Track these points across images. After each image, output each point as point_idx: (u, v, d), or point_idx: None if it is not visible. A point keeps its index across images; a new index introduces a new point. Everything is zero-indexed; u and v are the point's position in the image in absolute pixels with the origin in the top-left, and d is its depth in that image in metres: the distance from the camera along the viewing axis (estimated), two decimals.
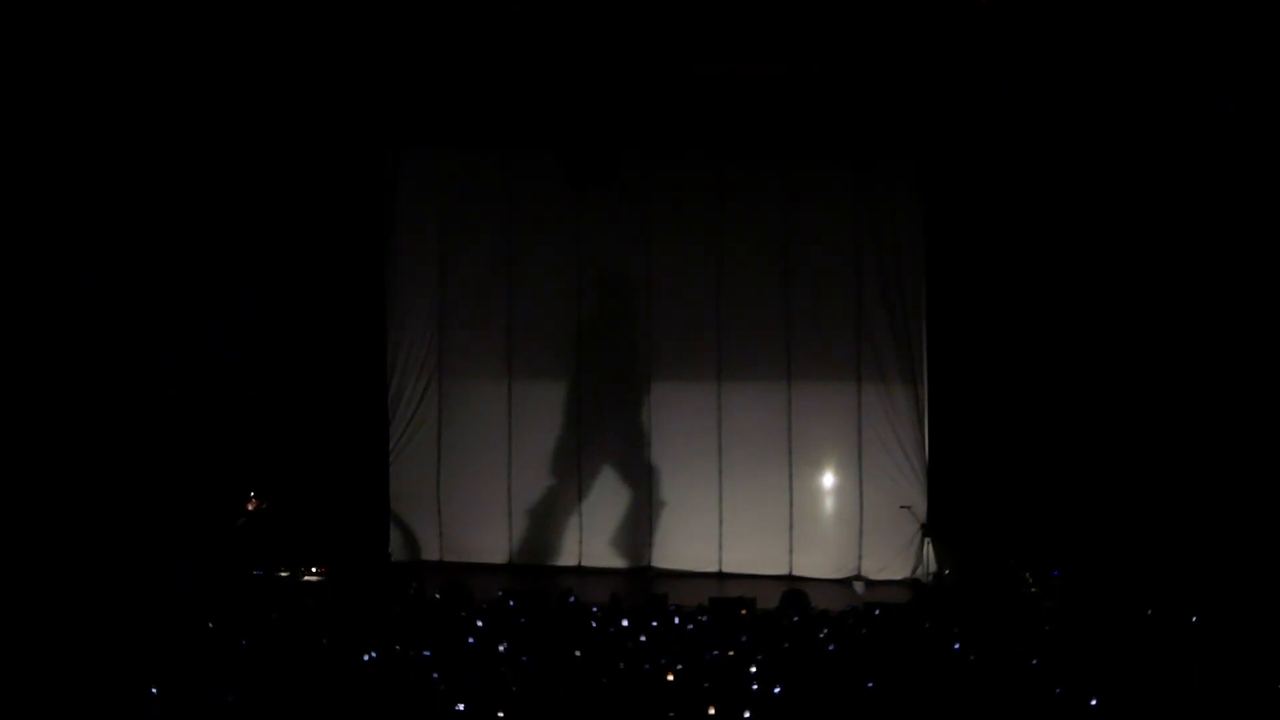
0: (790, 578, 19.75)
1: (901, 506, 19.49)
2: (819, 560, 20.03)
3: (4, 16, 16.93)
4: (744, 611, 15.69)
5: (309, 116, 19.75)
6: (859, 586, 19.55)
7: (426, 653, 12.85)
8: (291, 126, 19.78)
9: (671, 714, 10.79)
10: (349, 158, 20.16)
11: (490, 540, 20.61)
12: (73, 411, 18.80)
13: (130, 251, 19.07)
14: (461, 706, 10.84)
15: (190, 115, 18.99)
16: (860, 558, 19.95)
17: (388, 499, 20.66)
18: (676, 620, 15.01)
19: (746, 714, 10.79)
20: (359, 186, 20.28)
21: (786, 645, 13.39)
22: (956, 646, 13.45)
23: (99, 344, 19.04)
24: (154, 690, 11.20)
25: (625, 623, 14.63)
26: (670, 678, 11.98)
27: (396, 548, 20.67)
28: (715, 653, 13.05)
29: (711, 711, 10.88)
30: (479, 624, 14.41)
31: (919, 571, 19.46)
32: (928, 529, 19.42)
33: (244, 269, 19.96)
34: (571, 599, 16.25)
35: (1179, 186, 18.37)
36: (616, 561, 20.45)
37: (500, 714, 10.69)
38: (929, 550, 19.39)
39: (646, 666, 12.43)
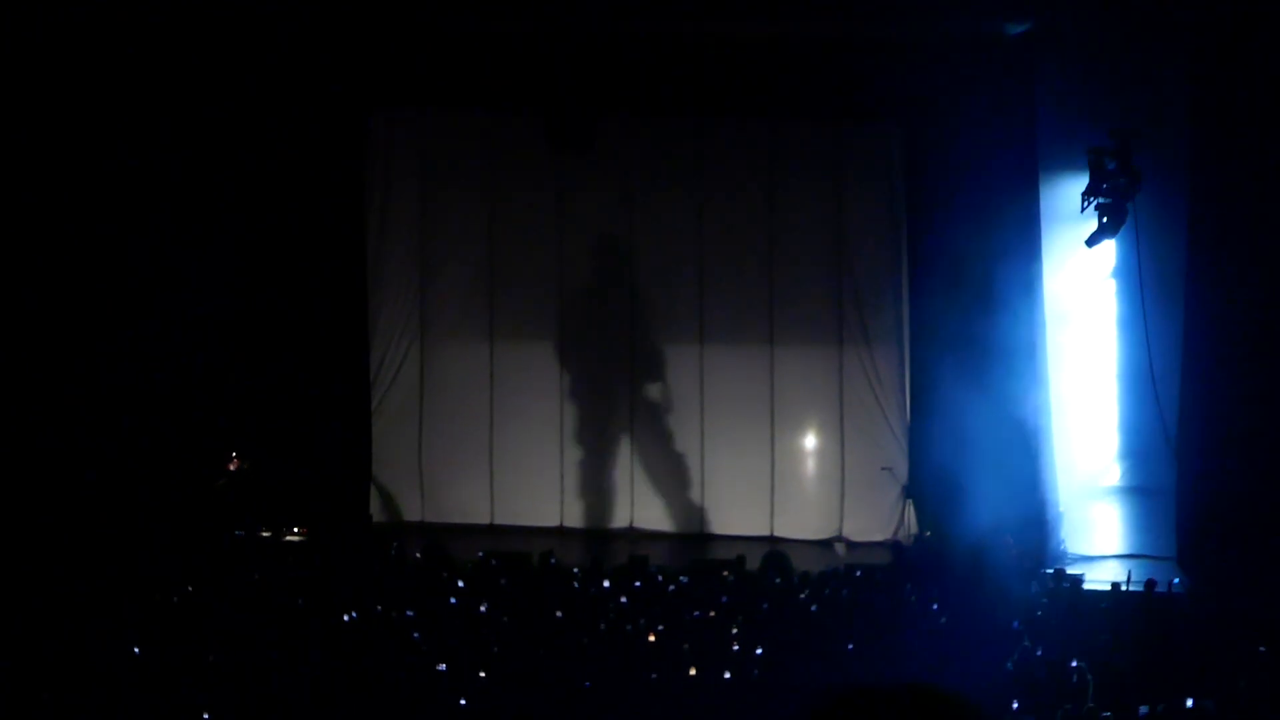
0: (772, 539, 19.79)
1: (883, 469, 19.54)
2: (801, 522, 20.07)
3: None
4: (725, 573, 15.73)
5: (287, 78, 19.68)
6: (840, 548, 19.60)
7: (408, 613, 12.85)
8: (269, 88, 19.71)
9: (653, 675, 10.81)
10: (327, 119, 20.06)
11: (472, 501, 20.62)
12: (54, 376, 18.78)
13: (109, 217, 19.02)
14: (443, 666, 10.86)
15: (167, 79, 18.95)
16: (842, 519, 19.99)
17: (369, 460, 20.66)
18: (659, 579, 15.04)
19: (727, 674, 10.81)
20: (337, 148, 20.19)
21: (767, 606, 13.42)
22: (936, 608, 13.49)
23: (80, 308, 19.02)
24: (135, 650, 11.21)
25: (606, 584, 14.65)
26: (651, 638, 12.00)
27: (378, 508, 20.67)
28: (696, 614, 13.08)
29: (693, 672, 10.90)
30: (460, 585, 14.42)
31: (900, 533, 19.51)
32: (909, 491, 19.47)
33: (225, 234, 19.91)
34: (553, 560, 16.27)
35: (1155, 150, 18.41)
36: (598, 523, 20.47)
37: (481, 674, 10.70)
38: (910, 512, 19.44)
39: (628, 628, 12.45)
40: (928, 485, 19.45)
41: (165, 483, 19.24)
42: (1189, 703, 10.76)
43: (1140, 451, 18.59)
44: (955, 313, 19.01)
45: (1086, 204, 16.80)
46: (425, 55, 19.50)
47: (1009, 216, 18.64)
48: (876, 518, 19.78)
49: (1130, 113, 16.98)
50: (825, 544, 19.81)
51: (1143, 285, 17.66)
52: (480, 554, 16.53)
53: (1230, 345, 17.19)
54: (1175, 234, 17.66)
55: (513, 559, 16.22)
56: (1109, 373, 18.77)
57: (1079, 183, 17.06)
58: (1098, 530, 18.39)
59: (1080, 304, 18.76)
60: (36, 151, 18.24)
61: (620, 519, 20.50)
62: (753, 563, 16.79)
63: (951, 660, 11.30)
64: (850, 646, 11.74)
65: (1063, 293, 18.64)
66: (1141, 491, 18.63)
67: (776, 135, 20.06)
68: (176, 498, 19.24)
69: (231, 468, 19.95)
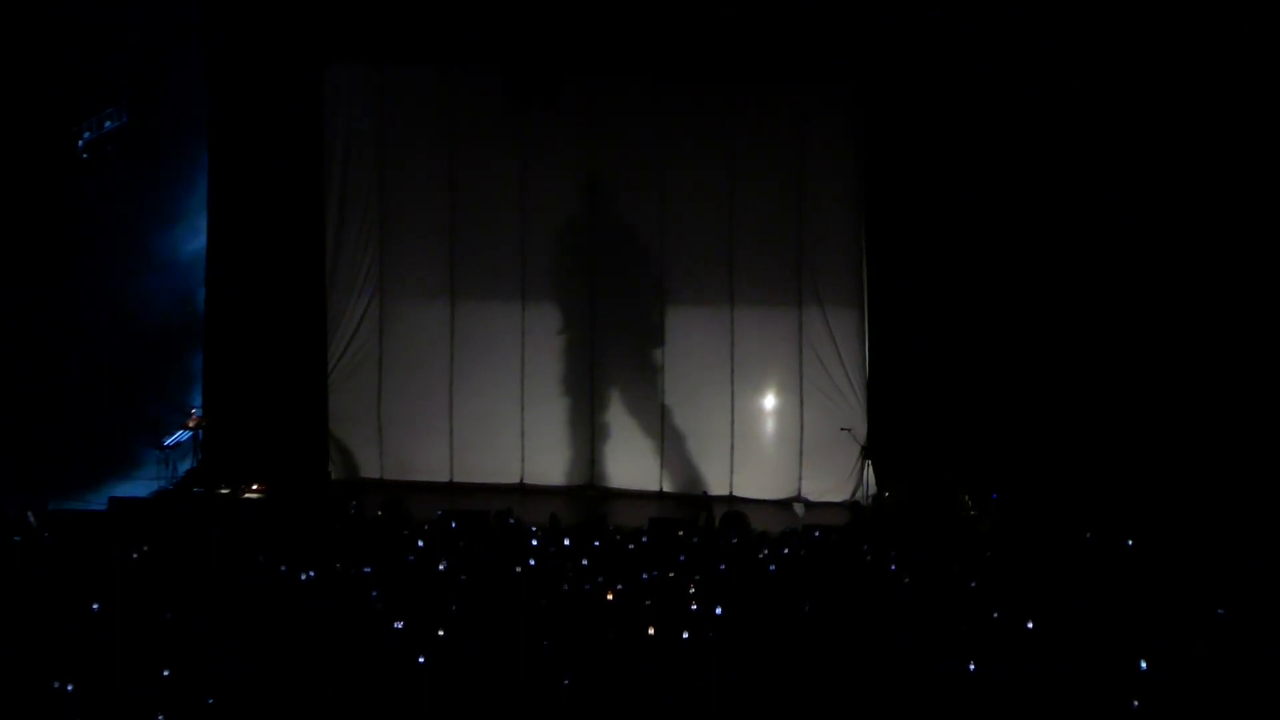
0: (731, 499, 19.84)
1: (842, 429, 19.57)
2: (760, 482, 20.12)
3: None
4: (681, 532, 15.74)
5: (245, 31, 19.59)
6: (799, 508, 19.64)
7: (366, 570, 12.83)
8: (229, 42, 19.63)
9: (611, 634, 10.81)
10: (285, 74, 19.96)
11: (431, 459, 20.60)
12: (10, 319, 18.71)
13: (66, 168, 18.92)
14: (400, 624, 10.84)
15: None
16: (800, 480, 20.04)
17: (327, 417, 20.60)
18: (618, 538, 15.03)
19: (685, 634, 10.82)
20: (296, 104, 20.09)
21: (725, 566, 13.43)
22: (894, 569, 13.52)
23: (38, 257, 18.92)
24: (94, 606, 11.17)
25: (566, 542, 14.64)
26: (610, 597, 12.00)
27: (336, 466, 20.63)
28: (655, 573, 13.08)
29: (651, 631, 10.90)
30: (419, 543, 14.40)
31: (858, 494, 19.56)
32: (868, 452, 19.51)
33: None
34: (511, 520, 16.25)
35: (1121, 111, 18.51)
36: (558, 480, 20.47)
37: (439, 632, 10.69)
38: (868, 473, 19.49)
39: (586, 586, 12.44)
40: (886, 446, 19.53)
41: (124, 439, 19.19)
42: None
43: None
44: (913, 273, 19.16)
45: None
46: (384, 9, 19.42)
47: (965, 177, 18.87)
48: (835, 478, 19.84)
49: None
50: (784, 504, 19.86)
51: None
52: (439, 512, 16.50)
53: None
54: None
55: (471, 517, 16.19)
56: None
57: None
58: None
59: None
60: None
61: (580, 477, 20.52)
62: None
63: (906, 620, 11.32)
64: (807, 607, 11.74)
65: None
66: None
67: (738, 96, 20.04)
68: (135, 454, 19.20)
69: (191, 424, 19.91)
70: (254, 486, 18.91)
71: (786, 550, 14.64)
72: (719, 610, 11.55)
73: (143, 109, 19.47)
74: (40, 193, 19.18)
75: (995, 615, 11.63)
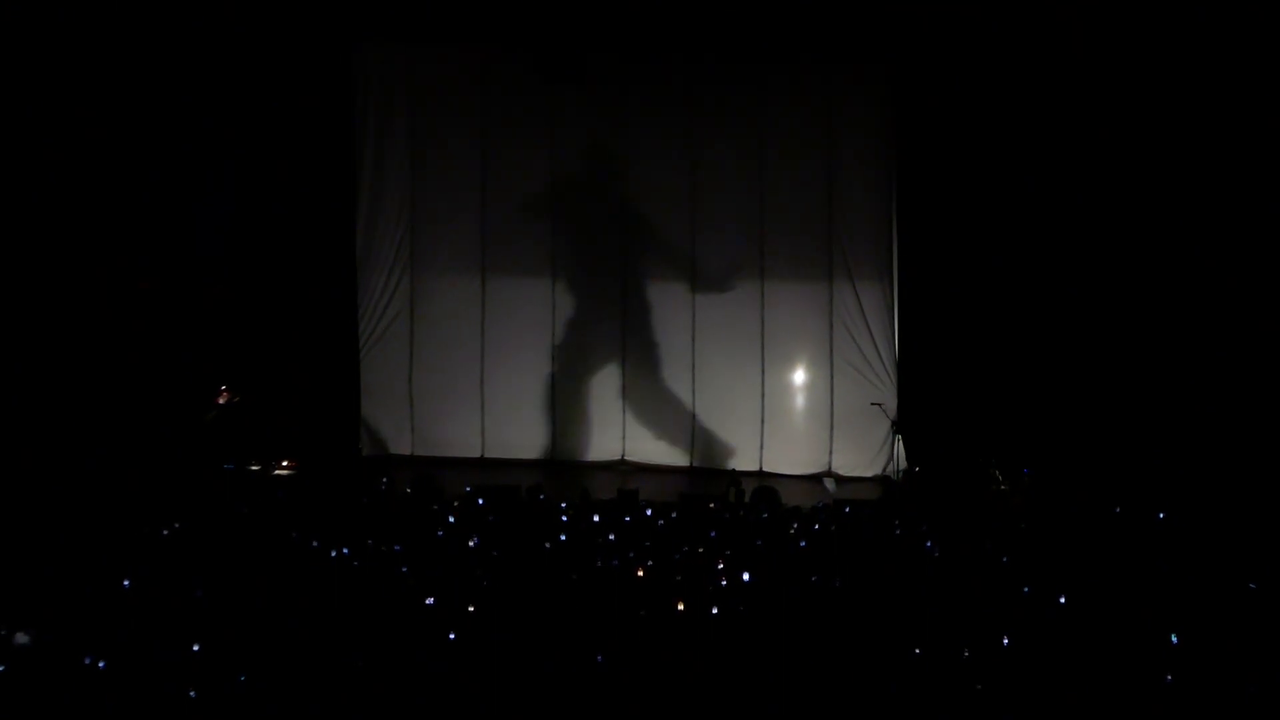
0: (761, 474, 19.84)
1: (872, 404, 19.55)
2: (790, 457, 20.11)
3: None
4: (711, 505, 15.74)
5: (276, 9, 19.57)
6: (829, 483, 19.63)
7: (396, 547, 12.84)
8: (259, 20, 19.60)
9: (641, 611, 10.80)
10: (316, 51, 19.97)
11: (462, 434, 20.63)
12: (45, 304, 18.74)
13: (102, 147, 18.96)
14: (431, 600, 10.85)
15: (148, 21, 18.90)
16: (831, 454, 20.03)
17: (358, 393, 20.64)
18: (649, 514, 15.02)
19: (715, 610, 10.81)
20: (327, 80, 20.11)
21: (758, 542, 13.41)
22: (926, 544, 13.48)
23: (72, 239, 18.96)
24: (125, 583, 11.19)
25: (596, 518, 14.63)
26: (640, 574, 11.99)
27: (367, 442, 20.67)
28: (685, 549, 13.06)
29: (681, 607, 10.89)
30: (449, 518, 14.41)
31: (889, 469, 19.53)
32: (898, 426, 19.48)
33: (215, 164, 19.85)
34: (542, 495, 16.25)
35: (1156, 89, 18.42)
36: (588, 456, 20.50)
37: (470, 608, 10.69)
38: (899, 448, 19.46)
39: (615, 562, 12.43)
40: (917, 420, 19.50)
41: (154, 415, 19.21)
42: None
43: None
44: (944, 247, 19.12)
45: None
46: None
47: (996, 151, 18.80)
48: (866, 453, 19.83)
49: None
50: (814, 479, 19.85)
51: None
52: (469, 488, 16.51)
53: None
54: None
55: (502, 493, 16.19)
56: None
57: None
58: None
59: None
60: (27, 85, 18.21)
61: (611, 452, 20.53)
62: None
63: (938, 596, 11.29)
64: (838, 583, 11.71)
65: None
66: None
67: (769, 72, 20.01)
68: (165, 431, 19.22)
69: (221, 401, 19.94)
70: (284, 463, 18.94)
71: (817, 525, 14.61)
72: (748, 586, 11.54)
73: None
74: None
75: (1026, 590, 11.60)
